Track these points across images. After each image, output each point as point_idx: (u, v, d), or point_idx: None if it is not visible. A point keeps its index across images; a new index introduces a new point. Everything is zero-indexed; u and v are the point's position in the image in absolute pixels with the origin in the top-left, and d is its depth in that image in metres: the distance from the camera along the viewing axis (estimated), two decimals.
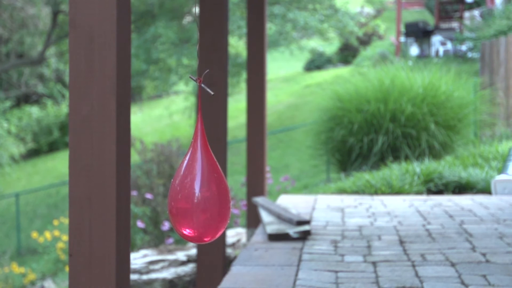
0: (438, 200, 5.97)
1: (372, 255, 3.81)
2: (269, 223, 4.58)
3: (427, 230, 4.55)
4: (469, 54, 17.89)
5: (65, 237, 10.50)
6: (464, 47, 18.37)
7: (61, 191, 17.20)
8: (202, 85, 1.73)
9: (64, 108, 24.46)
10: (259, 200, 5.49)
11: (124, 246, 2.18)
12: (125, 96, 2.21)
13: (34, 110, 24.46)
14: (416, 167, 7.31)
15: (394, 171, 7.31)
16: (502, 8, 17.60)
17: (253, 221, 6.10)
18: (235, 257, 5.84)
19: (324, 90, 10.09)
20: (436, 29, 20.32)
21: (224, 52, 4.35)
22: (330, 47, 26.44)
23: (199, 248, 4.35)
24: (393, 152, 8.45)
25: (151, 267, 6.10)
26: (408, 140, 8.46)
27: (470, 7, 21.86)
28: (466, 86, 9.58)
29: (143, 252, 6.48)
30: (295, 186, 10.75)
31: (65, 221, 11.17)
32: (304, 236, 4.28)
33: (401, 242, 4.15)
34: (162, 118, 23.37)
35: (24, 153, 22.14)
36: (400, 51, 20.17)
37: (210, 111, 4.32)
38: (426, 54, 19.65)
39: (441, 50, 19.37)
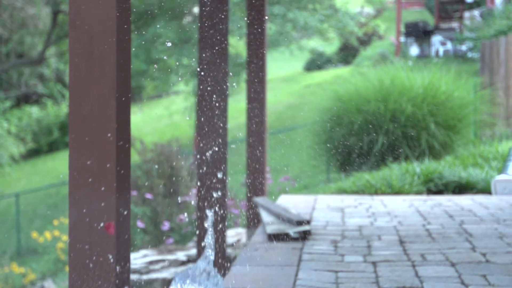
0: (438, 200, 5.97)
1: (372, 255, 3.81)
2: (269, 223, 4.58)
3: (427, 230, 4.55)
4: (469, 54, 17.89)
5: (65, 237, 10.49)
6: (464, 47, 18.36)
7: (61, 191, 17.19)
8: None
9: (64, 108, 24.45)
10: (259, 200, 5.49)
11: (124, 246, 2.18)
12: (125, 96, 2.21)
13: (34, 110, 24.46)
14: (416, 167, 7.31)
15: (394, 171, 7.31)
16: (502, 8, 17.60)
17: (253, 221, 6.10)
18: (235, 257, 5.83)
19: (324, 90, 10.09)
20: (436, 29, 20.31)
21: (224, 52, 4.35)
22: (330, 47, 26.41)
23: (199, 248, 4.35)
24: (393, 152, 8.45)
25: (151, 267, 6.10)
26: (408, 140, 8.46)
27: (470, 7, 21.85)
28: (466, 86, 9.58)
29: (143, 252, 6.48)
30: (295, 186, 10.75)
31: (65, 221, 11.17)
32: (304, 236, 4.28)
33: (401, 242, 4.14)
34: (162, 118, 23.36)
35: (24, 153, 22.12)
36: (400, 51, 20.16)
37: (210, 111, 4.32)
38: (426, 54, 19.64)
39: (441, 50, 19.36)
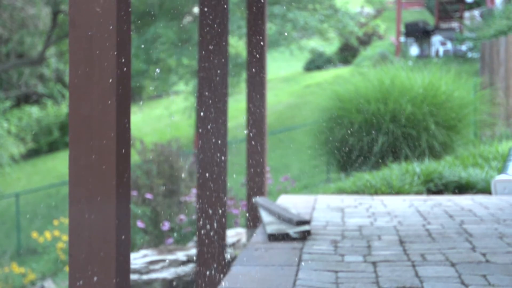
0: (438, 200, 5.97)
1: (372, 255, 3.81)
2: (269, 223, 4.58)
3: (427, 230, 4.55)
4: (469, 54, 17.89)
5: (65, 237, 10.50)
6: (464, 47, 18.36)
7: (61, 191, 17.19)
8: None
9: (64, 108, 24.46)
10: (259, 200, 5.49)
11: (124, 246, 2.18)
12: (125, 96, 2.21)
13: (34, 110, 24.46)
14: (416, 167, 7.30)
15: (394, 171, 7.31)
16: (502, 8, 17.60)
17: (253, 221, 6.10)
18: (235, 257, 5.84)
19: (324, 90, 10.09)
20: (436, 29, 20.31)
21: (224, 52, 4.35)
22: (330, 47, 26.41)
23: (199, 248, 4.35)
24: (393, 152, 8.45)
25: (151, 267, 6.10)
26: (408, 140, 8.46)
27: (470, 7, 21.85)
28: (466, 86, 9.58)
29: (143, 252, 6.48)
30: (295, 186, 10.74)
31: (65, 221, 11.17)
32: (304, 236, 4.28)
33: (401, 242, 4.15)
34: (162, 118, 23.36)
35: (24, 153, 22.12)
36: (400, 51, 20.16)
37: (210, 111, 4.32)
38: (426, 54, 19.64)
39: (441, 50, 19.36)
